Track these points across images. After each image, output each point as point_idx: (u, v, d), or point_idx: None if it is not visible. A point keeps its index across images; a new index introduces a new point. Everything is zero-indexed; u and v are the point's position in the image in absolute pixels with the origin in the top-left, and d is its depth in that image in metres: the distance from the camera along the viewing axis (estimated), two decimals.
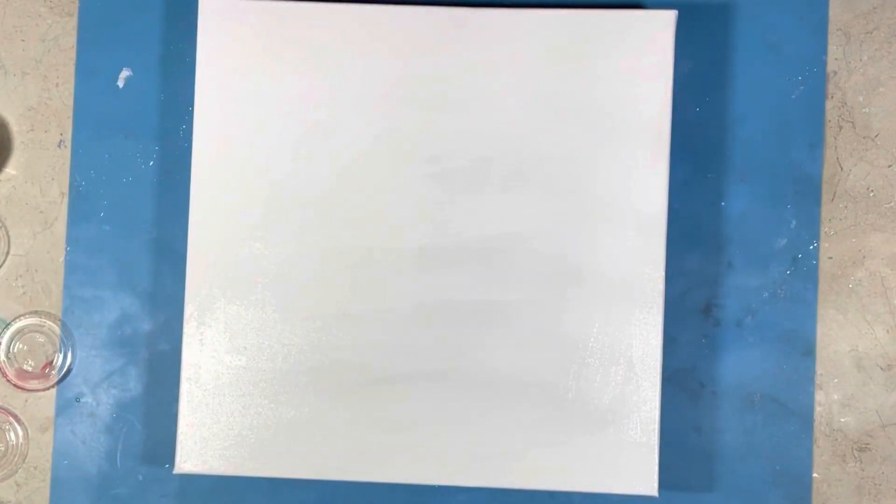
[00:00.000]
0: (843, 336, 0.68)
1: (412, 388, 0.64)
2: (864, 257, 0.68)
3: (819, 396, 0.68)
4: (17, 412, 0.69)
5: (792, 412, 0.68)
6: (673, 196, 0.66)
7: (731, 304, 0.68)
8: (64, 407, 0.69)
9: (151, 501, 0.68)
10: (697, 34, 0.68)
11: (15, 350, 0.69)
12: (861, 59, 0.69)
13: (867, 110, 0.69)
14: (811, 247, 0.68)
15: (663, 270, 0.64)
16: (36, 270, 0.69)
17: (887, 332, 0.68)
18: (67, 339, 0.69)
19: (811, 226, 0.68)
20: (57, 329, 0.69)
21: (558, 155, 0.64)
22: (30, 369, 0.69)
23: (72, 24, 0.70)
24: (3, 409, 0.69)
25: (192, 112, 0.66)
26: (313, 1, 0.65)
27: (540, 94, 0.64)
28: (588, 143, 0.64)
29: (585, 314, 0.64)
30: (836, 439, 0.68)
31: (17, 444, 0.69)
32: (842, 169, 0.69)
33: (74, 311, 0.69)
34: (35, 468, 0.69)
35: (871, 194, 0.69)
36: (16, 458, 0.69)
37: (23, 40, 0.70)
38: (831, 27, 0.69)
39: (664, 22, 0.64)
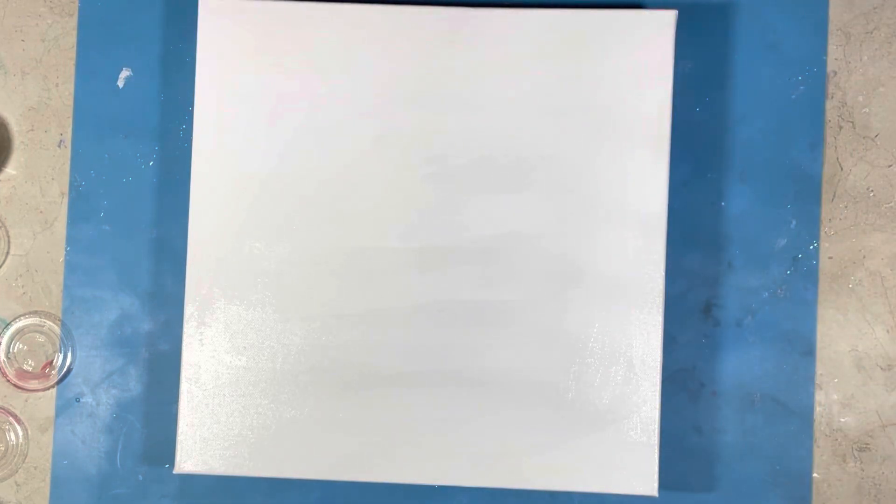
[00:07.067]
0: (843, 336, 0.68)
1: (412, 388, 0.64)
2: (864, 257, 0.68)
3: (819, 396, 0.68)
4: (17, 412, 0.69)
5: (792, 412, 0.68)
6: (673, 196, 0.66)
7: (731, 304, 0.68)
8: (64, 407, 0.69)
9: (151, 501, 0.68)
10: (697, 34, 0.68)
11: (15, 350, 0.69)
12: (861, 59, 0.69)
13: (867, 110, 0.69)
14: (811, 247, 0.68)
15: (663, 270, 0.64)
16: (36, 270, 0.69)
17: (887, 332, 0.68)
18: (67, 339, 0.69)
19: (811, 226, 0.68)
20: (57, 329, 0.69)
21: (558, 155, 0.64)
22: (30, 369, 0.69)
23: (72, 24, 0.70)
24: (3, 409, 0.69)
25: (192, 112, 0.66)
26: (313, 1, 0.65)
27: (540, 94, 0.64)
28: (588, 143, 0.64)
29: (585, 314, 0.64)
30: (836, 439, 0.68)
31: (17, 444, 0.69)
32: (842, 169, 0.69)
33: (74, 311, 0.69)
34: (35, 468, 0.69)
35: (871, 194, 0.69)
36: (16, 458, 0.69)
37: (23, 40, 0.70)
38: (831, 27, 0.69)
39: (664, 22, 0.64)
